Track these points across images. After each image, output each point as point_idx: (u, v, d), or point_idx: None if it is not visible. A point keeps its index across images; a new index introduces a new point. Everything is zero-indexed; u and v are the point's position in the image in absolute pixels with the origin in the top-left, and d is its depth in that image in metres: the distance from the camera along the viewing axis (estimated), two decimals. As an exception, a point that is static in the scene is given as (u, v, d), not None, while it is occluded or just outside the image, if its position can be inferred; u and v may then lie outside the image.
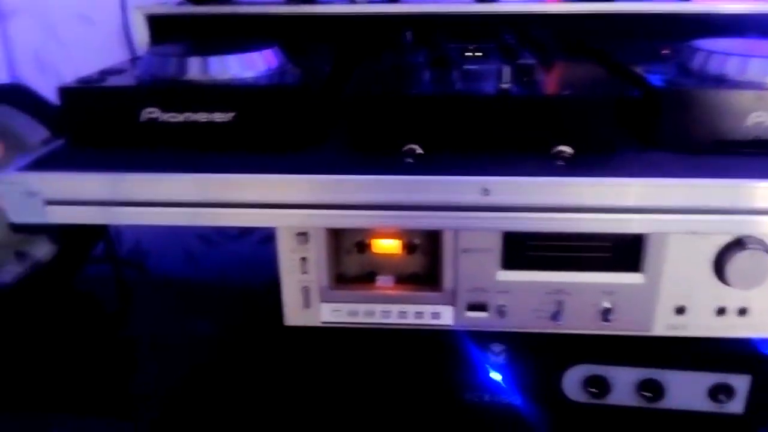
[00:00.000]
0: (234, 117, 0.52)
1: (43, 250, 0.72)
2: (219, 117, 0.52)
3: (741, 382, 0.55)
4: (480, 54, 0.62)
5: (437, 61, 0.59)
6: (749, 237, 0.50)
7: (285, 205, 0.50)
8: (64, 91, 0.54)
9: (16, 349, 0.68)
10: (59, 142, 0.56)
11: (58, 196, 0.50)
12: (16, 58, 1.02)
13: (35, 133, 0.68)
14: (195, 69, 0.54)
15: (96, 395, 0.62)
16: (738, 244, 0.51)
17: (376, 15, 0.72)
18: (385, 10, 0.72)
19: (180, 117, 0.52)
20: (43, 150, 0.55)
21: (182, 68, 0.54)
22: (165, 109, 0.52)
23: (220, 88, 0.53)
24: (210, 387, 0.61)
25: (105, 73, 0.57)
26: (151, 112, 0.52)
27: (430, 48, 0.63)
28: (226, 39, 0.63)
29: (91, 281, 0.81)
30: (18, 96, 0.72)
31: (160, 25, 0.75)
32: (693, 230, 0.49)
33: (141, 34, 0.75)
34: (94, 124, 0.54)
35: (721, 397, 0.56)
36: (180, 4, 0.76)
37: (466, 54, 0.62)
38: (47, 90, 0.77)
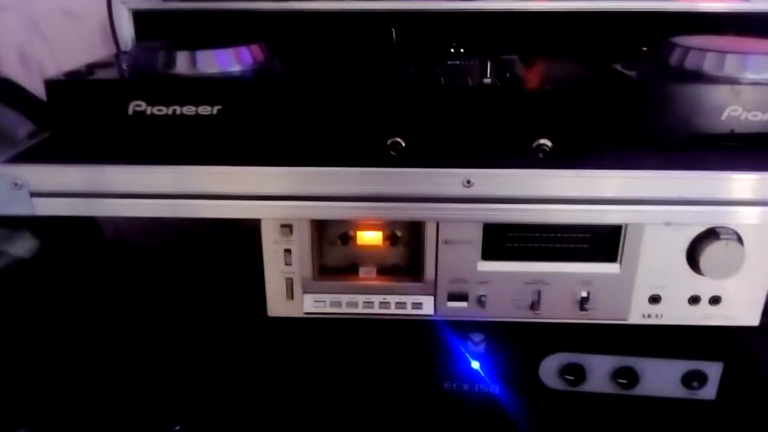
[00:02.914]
0: (220, 110, 0.53)
1: (24, 246, 0.72)
2: (205, 110, 0.53)
3: (713, 370, 0.57)
4: (464, 50, 0.63)
5: (422, 56, 0.60)
6: (722, 227, 0.52)
7: (269, 197, 0.51)
8: (51, 84, 0.54)
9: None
10: (45, 135, 0.57)
11: (44, 187, 0.51)
12: (-1, 53, 1.02)
13: (21, 127, 0.68)
14: (182, 63, 0.54)
15: (78, 388, 0.62)
16: (711, 234, 0.52)
17: (363, 11, 0.72)
18: (371, 6, 0.73)
19: (167, 110, 0.53)
20: (30, 143, 0.56)
21: (170, 62, 0.54)
22: (152, 102, 0.53)
23: (206, 81, 0.54)
24: (192, 378, 0.62)
25: (92, 67, 0.58)
26: (139, 105, 0.53)
27: (415, 44, 0.64)
28: (212, 34, 0.63)
29: (73, 274, 0.81)
30: (3, 90, 0.72)
31: (144, 20, 0.75)
32: (668, 221, 0.50)
33: (125, 29, 0.75)
34: (81, 117, 0.54)
35: (694, 383, 0.57)
36: (165, -1, 0.76)
37: (451, 50, 0.63)
38: (31, 85, 0.77)
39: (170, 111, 0.53)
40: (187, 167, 0.50)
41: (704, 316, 0.55)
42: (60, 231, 0.74)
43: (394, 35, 0.67)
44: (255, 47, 0.58)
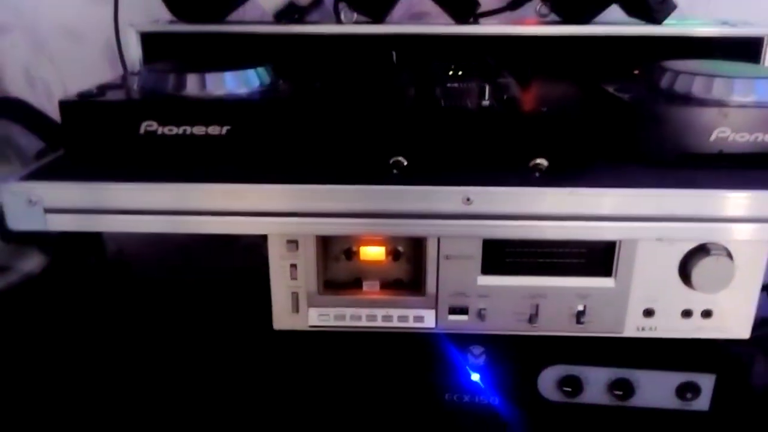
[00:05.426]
0: (229, 130, 0.54)
1: (32, 262, 0.73)
2: (215, 130, 0.54)
3: (706, 381, 0.58)
4: (462, 73, 0.65)
5: (421, 79, 0.62)
6: (713, 243, 0.54)
7: (276, 213, 0.52)
8: (65, 105, 0.56)
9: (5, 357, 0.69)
10: (56, 153, 0.58)
11: (56, 204, 0.52)
12: (6, 73, 1.04)
13: (31, 144, 0.70)
14: (192, 85, 0.56)
15: (85, 403, 0.63)
16: (702, 250, 0.54)
17: (364, 35, 0.74)
18: (372, 30, 0.75)
19: (178, 130, 0.54)
20: (42, 161, 0.57)
21: (180, 84, 0.56)
22: (163, 122, 0.54)
23: (216, 103, 0.55)
24: (198, 390, 0.63)
25: (103, 88, 0.60)
26: (150, 126, 0.54)
27: (414, 67, 0.66)
28: (218, 56, 0.65)
29: (77, 289, 0.82)
30: (13, 109, 0.74)
31: (151, 43, 0.77)
32: (660, 237, 0.52)
33: (133, 51, 0.77)
34: (94, 136, 0.56)
35: (688, 395, 0.58)
36: (171, 22, 0.78)
37: (449, 73, 0.65)
38: (38, 103, 0.79)
39: (181, 131, 0.55)
40: (196, 184, 0.52)
41: (697, 328, 0.57)
42: (67, 247, 0.76)
43: (394, 58, 0.69)
44: (261, 70, 0.60)
